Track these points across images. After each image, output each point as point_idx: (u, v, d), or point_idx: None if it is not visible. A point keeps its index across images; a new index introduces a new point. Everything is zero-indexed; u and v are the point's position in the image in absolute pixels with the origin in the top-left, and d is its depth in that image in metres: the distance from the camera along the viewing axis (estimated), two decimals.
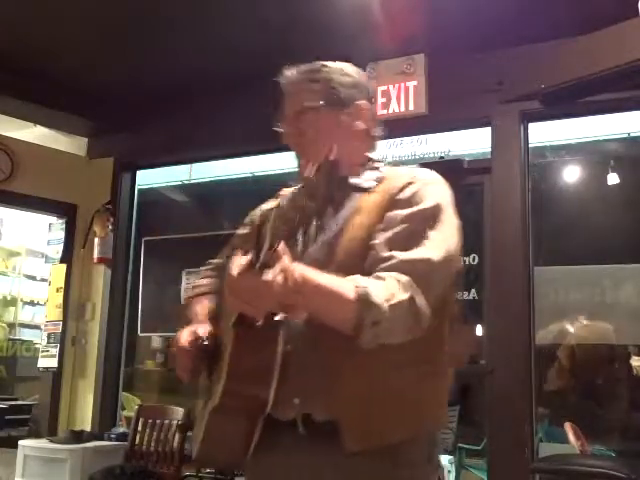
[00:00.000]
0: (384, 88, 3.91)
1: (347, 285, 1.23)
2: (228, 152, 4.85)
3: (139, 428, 4.14)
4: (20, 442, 4.35)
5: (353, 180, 1.46)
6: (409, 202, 1.36)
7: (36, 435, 4.71)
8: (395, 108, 3.89)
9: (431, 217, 1.34)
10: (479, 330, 3.99)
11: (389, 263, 1.28)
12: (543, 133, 4.10)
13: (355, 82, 1.52)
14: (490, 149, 3.79)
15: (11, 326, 7.29)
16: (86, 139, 5.20)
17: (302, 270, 1.22)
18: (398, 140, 4.36)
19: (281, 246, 1.20)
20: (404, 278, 1.25)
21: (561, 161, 5.08)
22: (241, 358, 1.28)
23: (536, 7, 3.35)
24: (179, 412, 4.08)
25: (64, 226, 5.10)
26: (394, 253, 1.29)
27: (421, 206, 1.35)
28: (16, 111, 4.73)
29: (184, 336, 1.45)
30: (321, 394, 1.32)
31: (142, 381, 6.81)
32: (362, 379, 1.30)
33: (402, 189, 1.38)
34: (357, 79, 1.53)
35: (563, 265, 3.88)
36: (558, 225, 4.66)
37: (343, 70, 1.52)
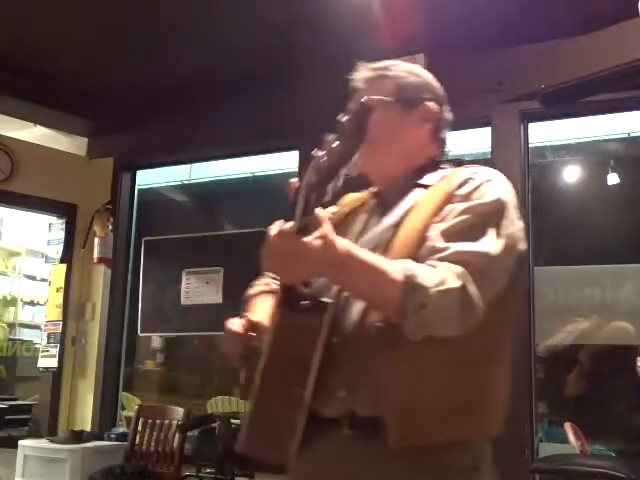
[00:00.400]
0: None
1: (394, 265, 1.20)
2: (228, 152, 4.85)
3: (139, 428, 4.15)
4: (20, 442, 4.35)
5: (414, 179, 1.44)
6: (468, 196, 1.33)
7: (36, 435, 4.71)
8: None
9: (491, 211, 1.31)
10: None
11: (443, 253, 1.24)
12: (543, 133, 4.10)
13: (424, 83, 1.52)
14: (490, 149, 3.79)
15: (11, 326, 7.30)
16: (86, 139, 5.20)
17: (345, 243, 1.19)
18: None
19: (321, 212, 1.16)
20: (457, 268, 1.21)
21: (561, 161, 5.09)
22: (282, 347, 1.26)
23: (536, 7, 3.35)
24: (179, 412, 4.09)
25: (64, 226, 5.09)
26: (449, 244, 1.25)
27: (481, 200, 1.32)
28: (16, 111, 4.73)
29: (236, 320, 1.42)
30: (365, 388, 1.28)
31: (142, 381, 6.83)
32: (409, 375, 1.26)
33: (462, 185, 1.35)
34: (426, 80, 1.53)
35: (563, 265, 3.88)
36: (558, 225, 4.66)
37: (412, 70, 1.53)
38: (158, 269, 4.85)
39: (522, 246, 1.35)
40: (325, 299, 1.31)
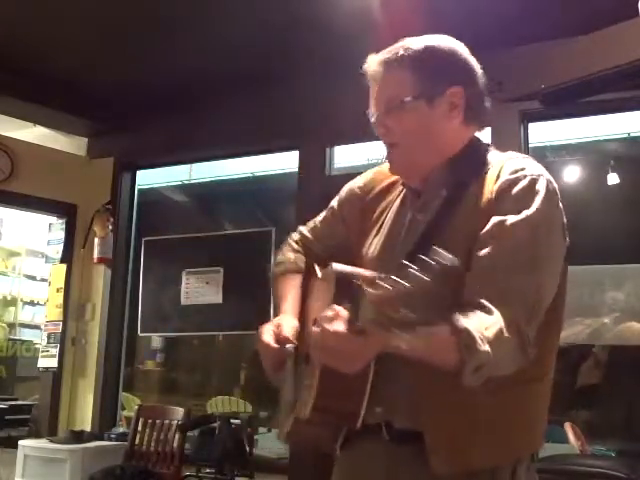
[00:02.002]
0: None
1: (445, 330, 1.13)
2: (228, 152, 4.85)
3: (139, 428, 4.15)
4: (20, 442, 4.34)
5: (451, 173, 1.35)
6: (515, 205, 1.24)
7: (36, 435, 4.71)
8: None
9: (539, 227, 1.23)
10: None
11: (494, 287, 1.19)
12: (543, 133, 4.10)
13: (447, 62, 1.37)
14: None
15: (11, 326, 7.30)
16: (86, 139, 5.20)
17: (394, 340, 1.11)
18: None
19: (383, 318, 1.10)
20: (509, 313, 1.16)
21: (561, 161, 5.09)
22: (333, 373, 1.20)
23: (536, 7, 3.34)
24: (179, 412, 4.09)
25: (64, 226, 5.09)
26: (499, 275, 1.20)
27: (528, 212, 1.23)
28: (16, 111, 4.73)
29: (268, 332, 1.38)
30: (405, 407, 1.27)
31: (142, 381, 6.83)
32: (452, 396, 1.22)
33: (508, 188, 1.26)
34: (449, 60, 1.38)
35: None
36: None
37: (434, 50, 1.37)
38: (158, 269, 4.85)
39: (565, 242, 1.30)
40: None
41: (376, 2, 3.35)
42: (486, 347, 1.12)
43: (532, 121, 3.76)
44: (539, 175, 1.29)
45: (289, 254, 1.59)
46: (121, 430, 4.55)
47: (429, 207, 1.34)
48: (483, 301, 1.18)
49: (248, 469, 3.83)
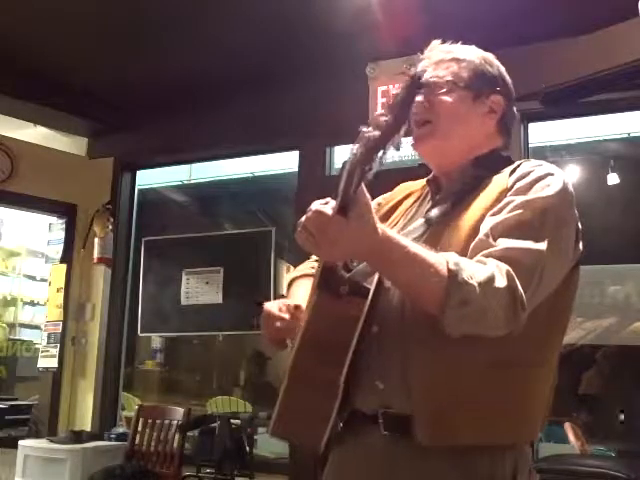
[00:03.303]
0: (384, 88, 3.91)
1: (439, 257, 1.14)
2: (228, 152, 4.85)
3: (139, 428, 4.15)
4: (20, 442, 4.34)
5: (474, 168, 1.40)
6: (527, 189, 1.27)
7: (36, 435, 4.71)
8: None
9: (549, 208, 1.25)
10: None
11: (494, 249, 1.19)
12: (543, 133, 4.10)
13: (496, 74, 1.48)
14: None
15: (11, 326, 7.30)
16: (86, 139, 5.20)
17: (387, 229, 1.15)
18: None
19: (364, 191, 1.10)
20: (504, 265, 1.16)
21: (561, 161, 5.09)
22: (317, 330, 1.22)
23: (536, 7, 3.34)
24: (179, 412, 4.09)
25: (64, 226, 5.09)
26: (501, 239, 1.20)
27: (540, 194, 1.26)
28: (16, 111, 4.73)
29: (274, 304, 1.40)
30: (401, 383, 1.25)
31: (142, 381, 6.83)
32: (445, 372, 1.22)
33: (522, 177, 1.30)
34: (499, 73, 1.50)
35: None
36: None
37: (486, 58, 1.48)
38: (158, 269, 4.86)
39: (577, 246, 1.32)
40: (365, 285, 1.28)
41: (376, 3, 3.35)
42: (474, 282, 1.12)
43: (532, 121, 3.76)
44: (557, 172, 1.32)
45: (307, 263, 1.63)
46: (121, 430, 4.55)
47: (452, 199, 1.36)
48: (480, 257, 1.19)
49: (248, 469, 3.83)
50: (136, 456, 4.06)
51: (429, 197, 1.47)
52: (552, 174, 1.30)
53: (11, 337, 7.03)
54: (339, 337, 1.23)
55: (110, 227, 4.86)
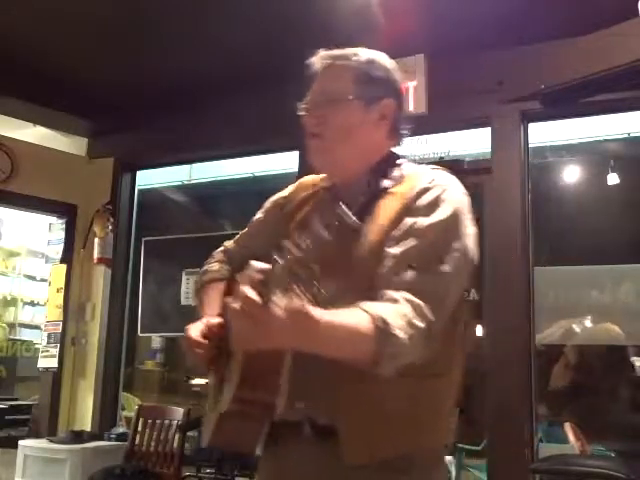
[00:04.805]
0: None
1: (362, 318, 1.16)
2: (228, 152, 4.85)
3: (139, 428, 4.14)
4: (20, 442, 4.35)
5: (371, 179, 1.41)
6: (426, 210, 1.31)
7: (36, 435, 4.71)
8: None
9: (448, 228, 1.30)
10: (479, 330, 3.98)
11: (403, 280, 1.24)
12: (543, 133, 4.10)
13: (385, 77, 1.46)
14: (490, 149, 3.79)
15: (11, 326, 7.30)
16: (86, 139, 5.20)
17: (314, 313, 1.11)
18: None
19: (296, 290, 1.09)
20: (418, 302, 1.21)
21: (561, 161, 5.09)
22: (253, 364, 1.23)
23: (536, 7, 3.35)
24: (179, 412, 4.08)
25: (64, 226, 5.09)
26: (409, 271, 1.24)
27: (438, 217, 1.30)
28: (16, 111, 4.73)
29: (197, 328, 1.41)
30: (324, 402, 1.30)
31: (142, 381, 6.82)
32: (364, 388, 1.26)
33: (420, 195, 1.33)
34: (389, 73, 1.47)
35: (563, 265, 3.88)
36: (558, 225, 4.66)
37: (377, 63, 1.46)
38: (158, 269, 4.85)
39: (475, 258, 1.35)
40: None
41: (376, 2, 3.35)
42: (401, 334, 1.16)
43: (532, 121, 3.76)
44: (448, 185, 1.36)
45: (214, 264, 1.64)
46: (121, 430, 4.55)
47: (355, 214, 1.36)
48: (392, 293, 1.22)
49: (248, 469, 3.83)
50: (136, 456, 4.05)
51: (328, 205, 1.44)
52: (448, 189, 1.34)
53: (11, 337, 7.04)
54: (272, 360, 1.24)
55: (110, 227, 4.86)
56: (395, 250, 1.28)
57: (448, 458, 4.32)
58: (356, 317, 1.17)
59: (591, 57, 3.32)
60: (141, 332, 4.97)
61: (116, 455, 4.13)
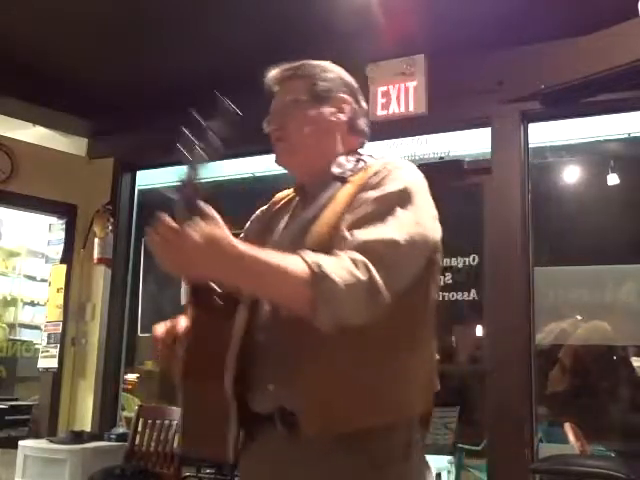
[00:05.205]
0: (384, 88, 3.91)
1: (296, 260, 1.19)
2: (228, 152, 4.85)
3: (139, 428, 4.15)
4: (20, 442, 4.35)
5: (333, 171, 1.46)
6: (377, 186, 1.35)
7: (36, 435, 4.71)
8: (395, 109, 3.89)
9: (398, 199, 1.32)
10: (479, 330, 3.99)
11: (349, 243, 1.25)
12: (543, 133, 4.10)
13: (336, 78, 1.54)
14: (490, 150, 3.79)
15: (11, 326, 7.30)
16: (86, 139, 5.20)
17: (238, 243, 1.18)
18: (398, 141, 4.36)
19: (209, 209, 1.15)
20: (360, 257, 1.21)
21: (561, 161, 5.08)
22: (199, 344, 1.27)
23: (536, 7, 3.35)
24: (179, 412, 4.08)
25: (64, 226, 5.09)
26: (355, 232, 1.27)
27: (389, 189, 1.33)
28: (16, 111, 4.73)
29: (161, 327, 1.46)
30: (289, 381, 1.31)
31: (142, 381, 6.81)
32: (323, 365, 1.28)
33: (372, 176, 1.38)
34: (339, 76, 1.55)
35: (563, 265, 3.88)
36: (558, 225, 4.66)
37: (325, 67, 1.56)
38: (158, 269, 4.84)
39: (433, 233, 1.36)
40: (238, 296, 1.31)
41: (376, 2, 3.35)
42: (336, 277, 1.17)
43: (532, 121, 3.76)
44: (402, 167, 1.40)
45: None
46: (121, 430, 4.55)
47: (315, 204, 1.43)
48: (337, 252, 1.24)
49: None
50: (136, 456, 4.06)
51: (299, 204, 1.54)
52: (400, 168, 1.39)
53: (11, 337, 7.03)
54: (221, 350, 1.27)
55: (110, 227, 4.86)
56: (344, 223, 1.31)
57: (448, 458, 4.33)
58: (291, 259, 1.19)
59: (591, 57, 3.32)
60: (141, 332, 4.97)
61: (116, 455, 4.13)
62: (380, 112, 3.88)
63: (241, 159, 5.17)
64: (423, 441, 1.41)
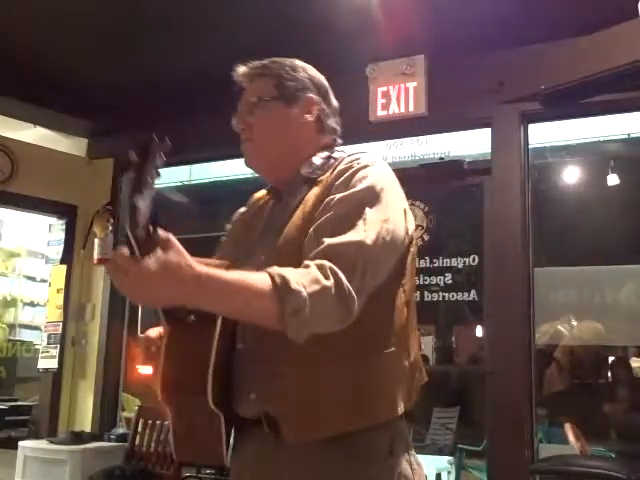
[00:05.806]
0: (384, 89, 3.91)
1: (259, 276, 1.17)
2: (228, 152, 4.85)
3: (139, 429, 4.15)
4: (20, 443, 4.35)
5: (303, 172, 1.45)
6: (343, 187, 1.33)
7: (36, 436, 4.71)
8: (395, 109, 3.89)
9: (365, 199, 1.30)
10: (479, 331, 3.99)
11: (317, 250, 1.24)
12: (543, 134, 4.10)
13: (304, 76, 1.52)
14: (490, 150, 3.79)
15: (11, 327, 7.31)
16: (86, 140, 5.20)
17: (196, 266, 1.16)
18: (398, 141, 4.36)
19: (161, 232, 1.14)
20: (327, 264, 1.20)
21: (561, 162, 5.09)
22: (176, 358, 1.27)
23: (536, 7, 3.35)
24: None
25: (64, 227, 5.09)
26: (322, 237, 1.25)
27: (354, 189, 1.32)
28: (16, 112, 4.73)
29: (155, 331, 1.47)
30: (268, 389, 1.32)
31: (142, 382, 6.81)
32: (302, 373, 1.28)
33: (339, 176, 1.36)
34: (307, 74, 1.53)
35: (563, 266, 3.88)
36: (558, 226, 4.66)
37: (293, 64, 1.54)
38: None
39: (404, 227, 1.35)
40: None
41: (376, 2, 3.35)
42: (301, 288, 1.15)
43: (532, 122, 3.76)
44: (370, 163, 1.37)
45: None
46: (121, 431, 4.55)
47: (287, 206, 1.43)
48: (307, 262, 1.22)
49: None
50: (136, 457, 4.06)
51: (272, 207, 1.53)
52: (369, 165, 1.36)
53: (11, 338, 7.04)
54: (200, 363, 1.27)
55: (110, 228, 4.86)
56: (312, 227, 1.30)
57: (448, 458, 4.33)
58: (255, 276, 1.17)
59: (591, 57, 3.31)
60: (141, 332, 4.96)
61: (116, 456, 4.13)
62: (380, 112, 3.88)
63: (241, 159, 5.15)
64: (409, 433, 1.42)
